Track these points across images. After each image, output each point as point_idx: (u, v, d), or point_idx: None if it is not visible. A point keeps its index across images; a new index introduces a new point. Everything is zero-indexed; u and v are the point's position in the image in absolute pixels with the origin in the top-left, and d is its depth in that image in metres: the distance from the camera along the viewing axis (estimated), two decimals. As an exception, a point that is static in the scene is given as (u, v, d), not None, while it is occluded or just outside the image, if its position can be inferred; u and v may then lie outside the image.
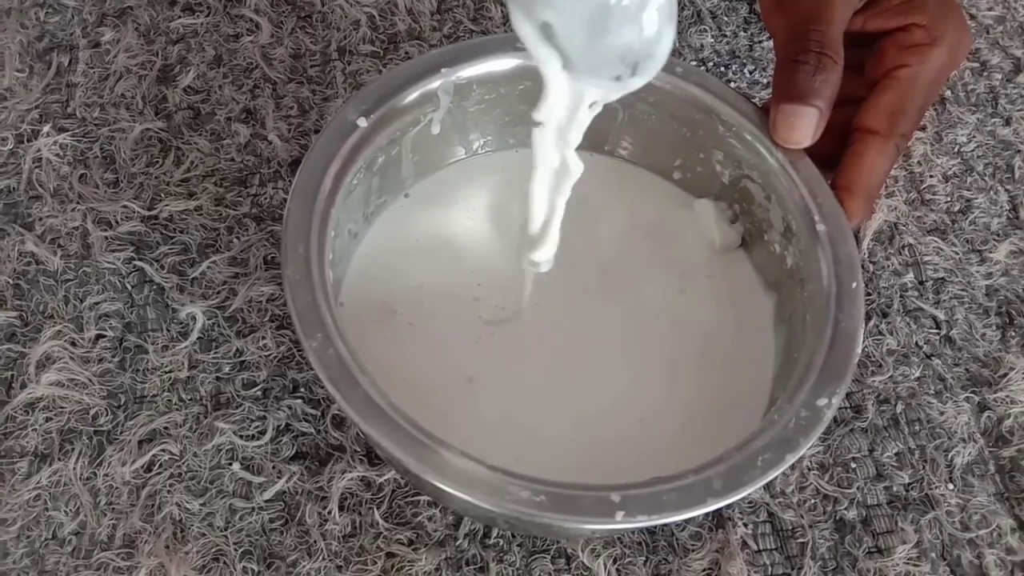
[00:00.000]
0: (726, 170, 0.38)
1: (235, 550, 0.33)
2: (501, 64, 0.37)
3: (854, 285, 0.32)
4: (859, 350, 0.31)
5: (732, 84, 0.47)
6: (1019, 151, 0.46)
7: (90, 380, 0.36)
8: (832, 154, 0.35)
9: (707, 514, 0.35)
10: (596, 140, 0.41)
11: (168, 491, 0.34)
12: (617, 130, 0.40)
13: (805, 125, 0.34)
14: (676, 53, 0.48)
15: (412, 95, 0.36)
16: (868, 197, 0.35)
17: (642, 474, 0.28)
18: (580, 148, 0.41)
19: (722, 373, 0.36)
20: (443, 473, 0.27)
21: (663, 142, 0.39)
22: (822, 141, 0.35)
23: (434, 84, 0.36)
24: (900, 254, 0.42)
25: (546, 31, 0.26)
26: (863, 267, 0.41)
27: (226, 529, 0.34)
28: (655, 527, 0.34)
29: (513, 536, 0.34)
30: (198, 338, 0.37)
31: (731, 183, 0.38)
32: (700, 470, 0.28)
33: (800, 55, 0.34)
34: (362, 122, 0.34)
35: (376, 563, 0.33)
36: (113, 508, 0.34)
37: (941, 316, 0.41)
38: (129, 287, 0.39)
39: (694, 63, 0.48)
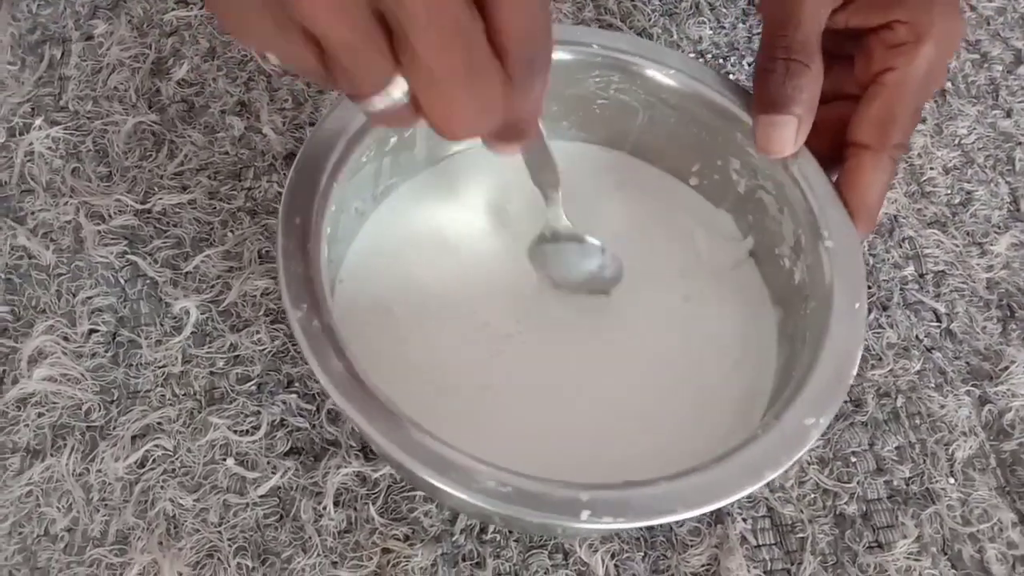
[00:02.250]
0: (742, 179, 0.37)
1: (229, 546, 0.33)
2: None
3: (857, 305, 0.32)
4: (854, 372, 0.30)
5: (731, 76, 0.46)
6: (1020, 143, 0.46)
7: (83, 375, 0.36)
8: (825, 152, 0.35)
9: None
10: (616, 138, 0.40)
11: (161, 487, 0.34)
12: (637, 130, 0.39)
13: (783, 135, 0.33)
14: (675, 45, 0.48)
15: None
16: (869, 214, 0.34)
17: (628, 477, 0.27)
18: (599, 144, 0.41)
19: (722, 385, 0.35)
20: (412, 453, 0.26)
21: (682, 145, 0.39)
22: (814, 141, 0.34)
23: None
24: (900, 247, 0.42)
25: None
26: (863, 259, 0.41)
27: (220, 525, 0.33)
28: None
29: (510, 532, 0.34)
30: (192, 333, 0.37)
31: (746, 193, 0.37)
32: (673, 478, 0.27)
33: (769, 64, 0.34)
34: None
35: (372, 559, 0.33)
36: (106, 504, 0.33)
37: (942, 309, 0.40)
38: (122, 281, 0.38)
39: (692, 55, 0.47)
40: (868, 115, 0.34)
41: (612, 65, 0.36)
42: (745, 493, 0.28)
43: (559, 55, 0.36)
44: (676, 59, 0.37)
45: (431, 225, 0.38)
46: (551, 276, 0.37)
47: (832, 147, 0.35)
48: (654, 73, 0.36)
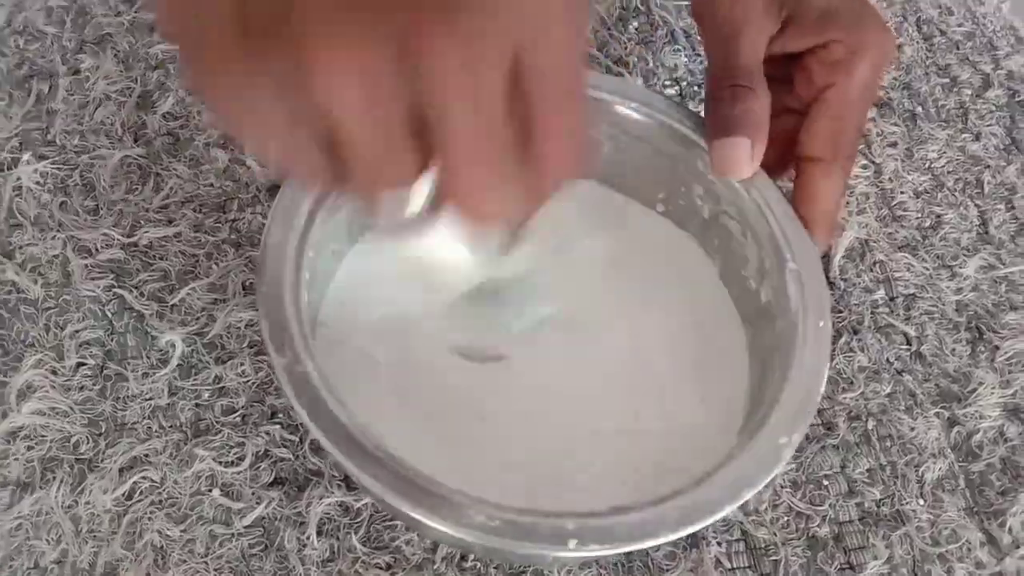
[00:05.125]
0: (706, 205, 0.38)
1: (215, 576, 0.34)
2: None
3: (821, 324, 0.33)
4: (822, 390, 0.31)
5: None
6: (988, 166, 0.47)
7: (71, 408, 0.37)
8: (771, 163, 0.36)
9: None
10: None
11: (149, 518, 0.35)
12: (603, 161, 0.40)
13: (737, 156, 0.35)
14: (651, 73, 0.49)
15: None
16: (828, 223, 0.36)
17: (610, 503, 0.28)
18: None
19: (698, 405, 0.36)
20: (402, 494, 0.27)
21: (647, 175, 0.39)
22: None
23: None
24: (871, 271, 0.43)
25: None
26: (834, 284, 0.42)
27: (206, 555, 0.34)
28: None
29: (490, 560, 0.34)
30: (178, 365, 0.38)
31: (711, 218, 0.38)
32: (657, 502, 0.28)
33: (716, 93, 0.35)
34: None
35: (355, 587, 0.33)
36: (94, 536, 0.34)
37: (912, 332, 0.41)
38: (109, 315, 0.39)
39: (668, 83, 0.48)
40: (817, 130, 0.36)
41: None
42: (724, 513, 0.29)
43: None
44: (638, 92, 0.38)
45: (407, 260, 0.38)
46: (493, 323, 0.37)
47: (778, 157, 0.37)
48: (618, 107, 0.38)
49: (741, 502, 0.29)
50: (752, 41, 0.35)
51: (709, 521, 0.29)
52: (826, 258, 0.43)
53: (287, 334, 0.29)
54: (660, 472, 0.34)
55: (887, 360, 0.40)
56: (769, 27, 0.36)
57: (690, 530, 0.28)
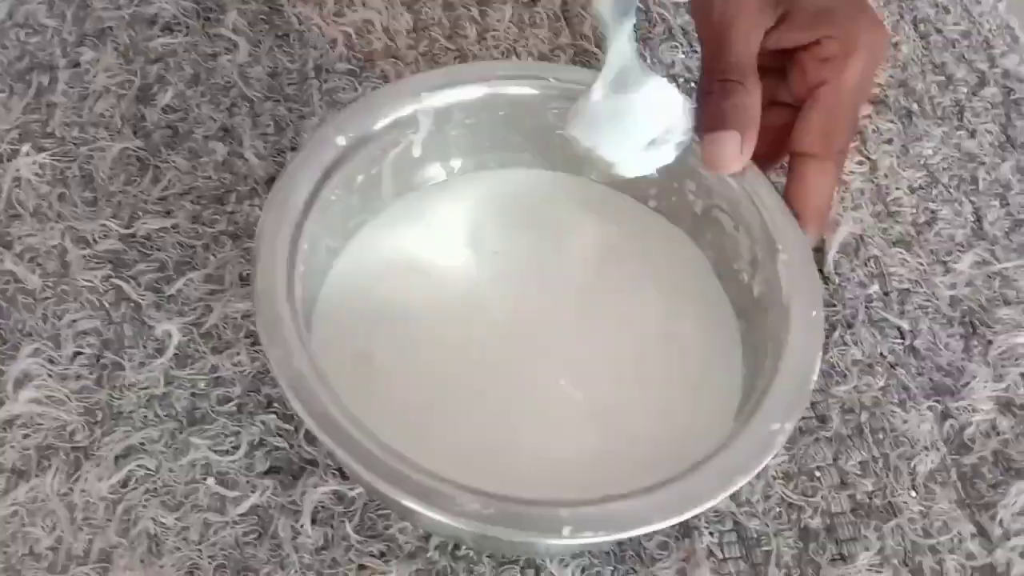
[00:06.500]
0: (698, 200, 0.38)
1: (209, 564, 0.34)
2: (481, 91, 0.38)
3: (814, 314, 0.33)
4: (814, 378, 0.32)
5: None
6: (983, 163, 0.47)
7: (67, 397, 0.37)
8: (762, 155, 0.36)
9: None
10: (573, 165, 0.41)
11: (144, 506, 0.35)
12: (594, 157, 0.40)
13: (726, 150, 0.35)
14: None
15: (392, 118, 0.37)
16: (819, 217, 0.36)
17: (603, 492, 0.28)
18: (559, 171, 0.42)
19: (691, 396, 0.36)
20: (395, 483, 0.27)
21: None
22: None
23: (414, 108, 0.37)
24: (866, 266, 0.43)
25: None
26: (829, 279, 0.42)
27: (200, 543, 0.34)
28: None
29: (482, 549, 0.35)
30: (174, 354, 0.38)
31: (703, 213, 0.39)
32: (651, 490, 0.28)
33: (707, 87, 0.36)
34: (341, 141, 0.35)
35: (348, 575, 0.34)
36: (89, 523, 0.34)
37: (905, 326, 0.41)
38: (106, 304, 0.39)
39: (665, 79, 0.48)
40: (810, 126, 0.36)
41: (568, 96, 0.37)
42: (719, 500, 0.29)
43: (521, 90, 0.38)
44: None
45: (402, 256, 0.38)
46: (604, 151, 0.35)
47: (770, 150, 0.37)
48: None
49: (735, 489, 0.29)
50: (744, 36, 0.36)
51: (703, 508, 0.29)
52: (820, 253, 0.43)
53: (281, 326, 0.30)
54: (653, 461, 0.34)
55: (881, 354, 0.41)
56: (763, 22, 0.36)
57: (684, 517, 0.29)
